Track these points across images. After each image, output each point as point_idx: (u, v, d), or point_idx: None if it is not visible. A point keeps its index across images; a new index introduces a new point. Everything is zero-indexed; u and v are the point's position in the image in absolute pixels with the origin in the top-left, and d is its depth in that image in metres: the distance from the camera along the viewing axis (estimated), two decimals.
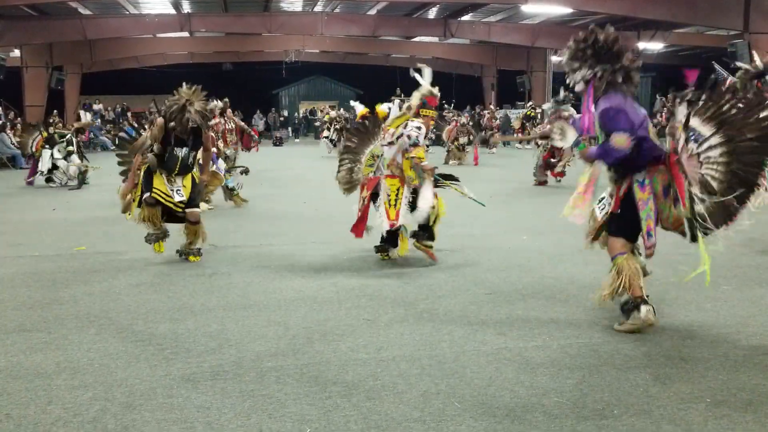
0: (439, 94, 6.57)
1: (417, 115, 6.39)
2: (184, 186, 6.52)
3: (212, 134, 10.28)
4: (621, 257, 4.44)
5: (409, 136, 6.19)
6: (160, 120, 6.47)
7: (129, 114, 30.38)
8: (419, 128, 6.25)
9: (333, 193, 11.15)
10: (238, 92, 31.60)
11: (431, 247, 6.48)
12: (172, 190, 6.44)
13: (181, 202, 6.49)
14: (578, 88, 4.52)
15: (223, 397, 3.47)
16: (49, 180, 13.75)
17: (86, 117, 18.53)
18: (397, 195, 6.34)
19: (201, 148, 6.64)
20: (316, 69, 38.96)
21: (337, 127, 20.97)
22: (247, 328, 4.55)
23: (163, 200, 6.44)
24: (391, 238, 6.53)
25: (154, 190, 6.41)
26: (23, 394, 3.53)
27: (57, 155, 13.71)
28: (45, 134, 13.97)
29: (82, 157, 14.23)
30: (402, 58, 35.09)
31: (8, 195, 12.67)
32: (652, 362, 3.89)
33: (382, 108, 6.90)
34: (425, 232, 6.47)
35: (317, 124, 30.98)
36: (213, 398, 3.46)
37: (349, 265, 6.39)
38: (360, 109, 7.07)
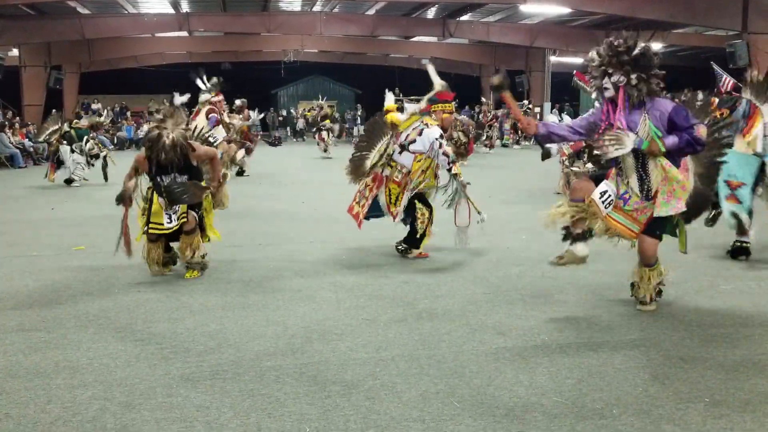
0: (449, 91, 6.66)
1: (428, 112, 6.44)
2: (179, 211, 5.89)
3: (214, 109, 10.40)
4: (659, 264, 4.86)
5: (446, 154, 6.30)
6: (138, 154, 5.96)
7: (129, 113, 30.34)
8: (441, 136, 6.36)
9: (331, 192, 11.18)
10: (237, 92, 31.56)
11: (418, 250, 6.61)
12: (167, 216, 5.85)
13: (172, 227, 5.86)
14: (609, 93, 4.55)
15: (222, 397, 3.48)
16: (69, 181, 13.49)
17: (103, 115, 18.39)
18: (397, 198, 6.49)
19: (194, 170, 5.95)
20: (315, 69, 38.93)
21: (322, 120, 20.74)
22: (246, 328, 4.55)
23: (160, 232, 5.89)
24: (412, 239, 6.60)
25: (150, 224, 5.86)
26: (22, 394, 3.53)
27: (77, 156, 13.56)
28: (64, 130, 13.78)
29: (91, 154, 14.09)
30: (401, 58, 35.09)
31: (7, 195, 12.65)
32: (651, 362, 3.89)
33: (389, 103, 6.90)
34: (411, 246, 6.60)
35: (299, 127, 30.96)
36: (212, 397, 3.47)
37: (347, 265, 6.39)
38: (389, 102, 6.92)
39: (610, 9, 20.47)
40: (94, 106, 29.37)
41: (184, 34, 27.04)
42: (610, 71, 4.52)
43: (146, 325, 4.66)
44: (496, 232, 7.59)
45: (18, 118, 23.46)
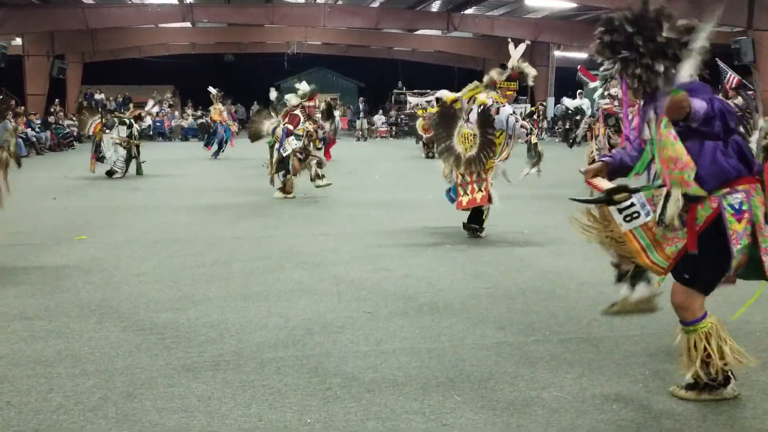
0: (527, 70, 7.05)
1: (494, 86, 6.87)
2: None
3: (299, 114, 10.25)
4: (706, 322, 3.39)
5: (524, 126, 6.85)
6: None
7: (131, 105, 30.29)
8: (514, 112, 6.95)
9: (333, 184, 11.17)
10: (240, 84, 31.47)
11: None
12: None
13: None
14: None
15: (223, 387, 3.48)
16: (111, 173, 13.26)
17: (149, 105, 17.97)
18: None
19: None
20: (318, 61, 38.84)
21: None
22: (248, 319, 4.56)
23: None
24: (479, 218, 7.00)
25: None
26: (24, 382, 3.54)
27: (120, 150, 13.28)
28: (104, 119, 13.56)
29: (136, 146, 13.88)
30: (404, 51, 35.02)
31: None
32: (652, 358, 3.90)
33: (447, 95, 7.28)
34: (481, 224, 7.03)
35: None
36: (213, 388, 3.48)
37: (349, 257, 6.39)
38: (448, 95, 7.29)
39: (615, 4, 20.35)
40: (97, 96, 29.35)
41: (188, 25, 27.01)
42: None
43: (148, 315, 4.67)
44: (497, 227, 7.58)
45: (22, 107, 23.44)
